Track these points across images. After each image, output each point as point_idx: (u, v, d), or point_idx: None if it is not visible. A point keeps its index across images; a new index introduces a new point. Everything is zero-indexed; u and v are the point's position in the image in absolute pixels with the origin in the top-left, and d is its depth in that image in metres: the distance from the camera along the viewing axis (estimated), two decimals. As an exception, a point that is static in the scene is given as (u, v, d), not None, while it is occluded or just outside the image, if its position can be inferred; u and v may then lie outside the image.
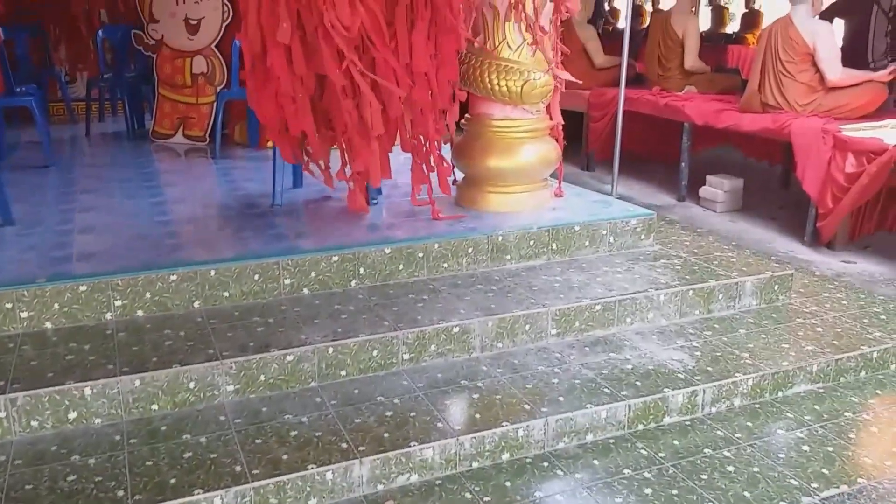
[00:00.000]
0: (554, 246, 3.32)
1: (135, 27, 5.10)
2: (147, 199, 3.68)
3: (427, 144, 3.21)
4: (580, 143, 6.23)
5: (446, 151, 3.48)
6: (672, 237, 3.79)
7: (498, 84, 3.35)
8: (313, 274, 2.89)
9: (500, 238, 3.21)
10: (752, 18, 11.41)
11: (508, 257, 3.24)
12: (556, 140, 3.62)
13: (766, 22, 11.18)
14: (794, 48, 4.52)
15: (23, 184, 4.00)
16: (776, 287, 3.28)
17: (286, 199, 3.66)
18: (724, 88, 5.51)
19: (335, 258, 2.92)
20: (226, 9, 4.87)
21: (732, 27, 12.21)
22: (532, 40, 3.19)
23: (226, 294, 2.76)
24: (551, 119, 3.58)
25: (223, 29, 4.92)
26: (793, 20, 4.56)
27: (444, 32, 2.90)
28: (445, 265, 3.13)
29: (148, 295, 2.66)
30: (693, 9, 5.62)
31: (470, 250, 3.17)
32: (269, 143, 3.79)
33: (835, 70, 4.49)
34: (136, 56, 5.51)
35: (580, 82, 3.82)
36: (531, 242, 3.27)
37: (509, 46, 3.33)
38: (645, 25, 13.22)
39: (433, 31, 2.91)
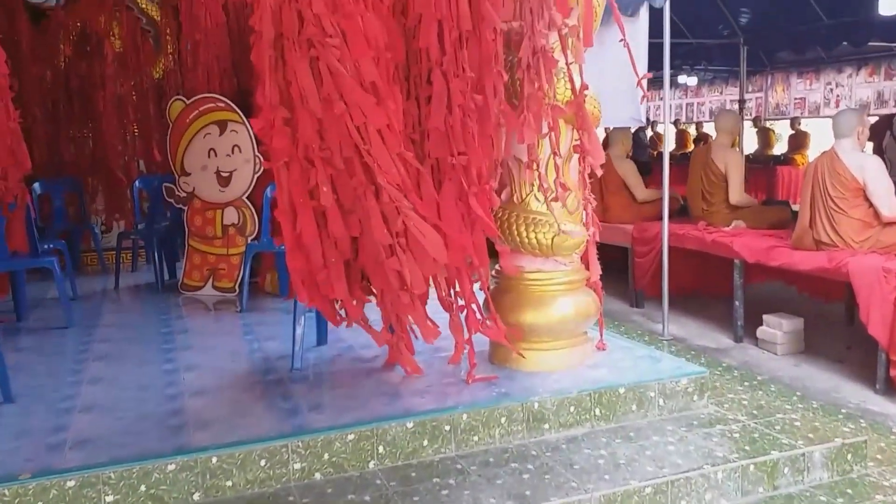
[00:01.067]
0: (597, 412, 2.99)
1: (170, 177, 5.14)
2: (160, 366, 3.49)
3: (464, 302, 3.01)
4: (627, 278, 5.96)
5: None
6: (728, 394, 3.43)
7: (527, 236, 3.16)
8: (326, 456, 2.61)
9: (537, 405, 2.90)
10: (799, 140, 11.29)
11: (547, 426, 2.92)
12: (595, 291, 3.36)
13: (813, 143, 11.06)
14: (844, 183, 4.27)
15: (36, 350, 3.87)
16: (849, 457, 2.87)
17: (308, 360, 3.43)
18: (773, 222, 5.24)
19: (351, 436, 2.64)
20: (258, 160, 4.87)
21: (780, 148, 12.11)
22: (554, 196, 3.00)
23: (228, 483, 2.49)
24: (588, 270, 3.34)
25: (254, 180, 4.91)
26: (838, 154, 4.33)
27: (474, 193, 2.74)
28: (476, 438, 2.82)
29: (143, 488, 2.39)
30: (733, 142, 5.45)
31: (503, 420, 2.86)
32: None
33: (889, 205, 4.21)
34: (171, 206, 5.54)
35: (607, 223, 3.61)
36: (571, 409, 2.95)
37: (537, 198, 3.16)
38: (689, 149, 13.27)
39: (462, 191, 2.75)
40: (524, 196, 3.20)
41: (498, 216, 3.21)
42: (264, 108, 2.68)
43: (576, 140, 3.17)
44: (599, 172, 3.12)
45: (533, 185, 3.15)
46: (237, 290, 4.87)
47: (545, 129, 2.97)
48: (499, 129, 2.91)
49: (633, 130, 7.54)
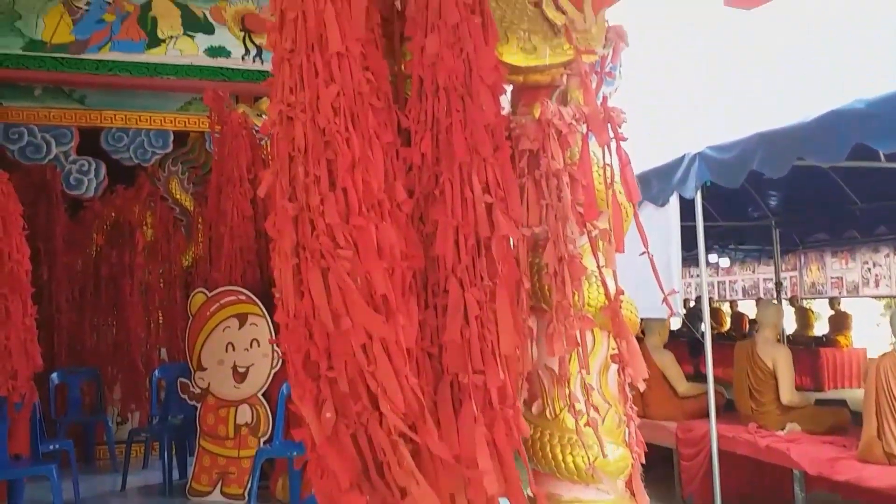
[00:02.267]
0: None
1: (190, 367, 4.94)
2: None
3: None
4: (671, 482, 5.44)
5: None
6: None
7: (563, 459, 2.79)
8: None
9: None
10: (840, 320, 10.91)
11: None
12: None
13: (854, 324, 10.65)
14: (917, 388, 3.88)
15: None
16: None
17: None
18: (832, 426, 4.78)
19: None
20: (276, 355, 4.67)
21: (820, 328, 11.70)
22: (585, 421, 2.67)
23: None
24: (634, 498, 2.94)
25: (271, 376, 4.68)
26: (902, 356, 3.99)
27: (496, 417, 2.43)
28: None
29: None
30: (779, 336, 5.14)
31: None
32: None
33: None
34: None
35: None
36: None
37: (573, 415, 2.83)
38: (725, 329, 12.89)
39: (488, 414, 2.44)
40: (558, 411, 2.87)
41: (529, 433, 2.87)
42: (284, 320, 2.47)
43: (613, 349, 2.91)
44: (642, 386, 2.81)
45: (568, 399, 2.84)
46: (246, 498, 4.48)
47: (577, 340, 2.71)
48: (525, 341, 2.66)
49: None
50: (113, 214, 6.59)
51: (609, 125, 2.72)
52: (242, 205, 5.03)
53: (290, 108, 2.20)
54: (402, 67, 2.68)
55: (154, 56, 5.14)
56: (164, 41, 5.14)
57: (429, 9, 2.36)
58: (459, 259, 2.50)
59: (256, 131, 5.11)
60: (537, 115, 2.64)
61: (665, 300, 3.22)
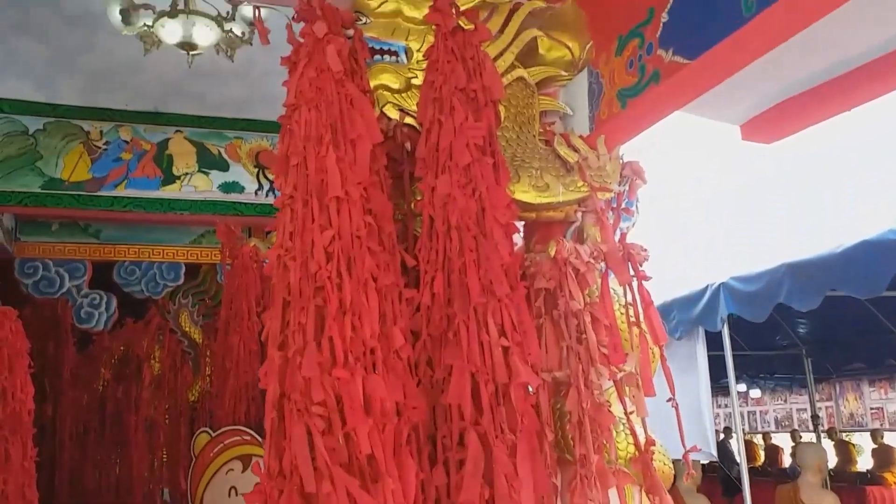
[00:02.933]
0: None
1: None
2: None
3: None
4: None
5: None
6: None
7: None
8: None
9: None
10: (885, 455, 10.24)
11: None
12: None
13: (899, 458, 10.02)
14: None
15: None
16: None
17: None
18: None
19: None
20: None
21: (863, 462, 11.02)
22: None
23: None
24: None
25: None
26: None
27: None
28: None
29: None
30: (824, 481, 4.76)
31: None
32: None
33: None
34: (183, 552, 4.94)
35: None
36: None
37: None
38: (759, 464, 12.19)
39: None
40: None
41: None
42: (262, 479, 2.25)
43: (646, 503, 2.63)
44: (679, 552, 2.52)
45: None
46: None
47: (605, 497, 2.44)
48: (551, 501, 2.39)
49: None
50: (121, 348, 6.47)
51: (629, 263, 2.58)
52: (249, 339, 4.87)
53: (286, 253, 2.09)
54: (413, 206, 2.60)
55: (168, 192, 5.18)
56: (178, 178, 5.20)
57: (439, 150, 2.29)
58: (479, 409, 2.29)
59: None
60: (553, 253, 2.51)
61: (695, 447, 2.97)
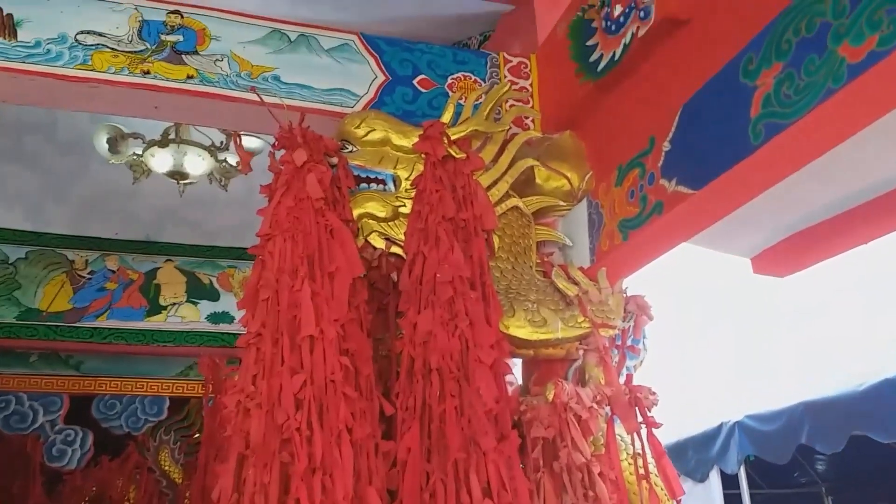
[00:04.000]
0: None
1: None
2: None
3: None
4: None
5: None
6: None
7: None
8: None
9: None
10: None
11: None
12: None
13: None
14: None
15: None
16: None
17: None
18: None
19: None
20: None
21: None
22: None
23: None
24: None
25: None
26: None
27: None
28: None
29: None
30: None
31: None
32: None
33: None
34: None
35: None
36: None
37: None
38: None
39: None
40: None
41: None
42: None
43: None
44: None
45: None
46: None
47: None
48: None
49: None
50: (94, 489, 6.05)
51: (636, 408, 2.33)
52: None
53: (248, 398, 1.85)
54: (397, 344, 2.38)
55: (153, 323, 4.96)
56: (165, 308, 4.99)
57: (423, 283, 2.10)
58: None
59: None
60: (551, 397, 2.26)
61: None
